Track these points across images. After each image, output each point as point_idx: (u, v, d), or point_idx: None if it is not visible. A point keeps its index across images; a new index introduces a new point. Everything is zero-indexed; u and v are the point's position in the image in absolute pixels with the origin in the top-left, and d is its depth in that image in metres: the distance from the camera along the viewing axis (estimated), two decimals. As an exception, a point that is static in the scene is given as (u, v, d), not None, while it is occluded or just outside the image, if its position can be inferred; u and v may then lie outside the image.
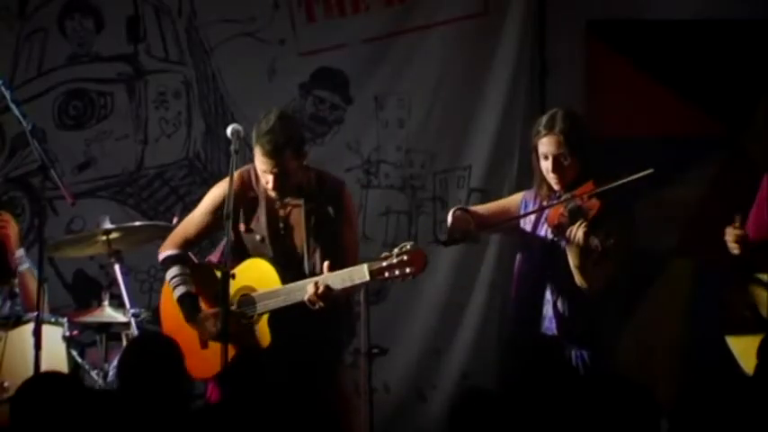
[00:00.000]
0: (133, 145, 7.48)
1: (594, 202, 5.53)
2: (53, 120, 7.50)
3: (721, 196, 7.10)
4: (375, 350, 6.31)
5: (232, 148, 5.80)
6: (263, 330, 5.75)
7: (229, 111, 7.28)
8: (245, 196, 5.85)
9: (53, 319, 6.33)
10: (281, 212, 5.83)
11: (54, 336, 6.23)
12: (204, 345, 5.87)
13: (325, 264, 5.62)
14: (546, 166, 5.56)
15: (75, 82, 7.57)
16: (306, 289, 5.49)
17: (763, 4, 7.32)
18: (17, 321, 6.35)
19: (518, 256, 5.84)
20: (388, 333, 7.14)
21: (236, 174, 5.80)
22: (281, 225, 5.87)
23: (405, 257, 5.51)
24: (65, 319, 6.36)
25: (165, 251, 6.00)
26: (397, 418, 7.63)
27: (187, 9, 7.49)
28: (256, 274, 5.88)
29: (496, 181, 7.31)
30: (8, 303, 6.71)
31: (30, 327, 6.02)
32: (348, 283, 5.55)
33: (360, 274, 5.52)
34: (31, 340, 5.89)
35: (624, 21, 7.45)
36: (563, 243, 5.59)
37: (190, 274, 5.92)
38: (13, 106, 6.16)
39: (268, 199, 5.82)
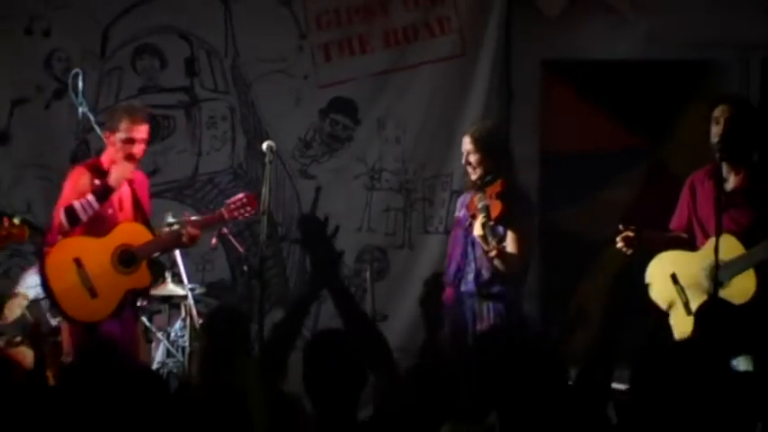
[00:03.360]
0: (190, 157, 7.88)
1: (497, 204, 6.05)
2: (129, 137, 7.87)
3: (647, 197, 7.50)
4: (378, 316, 7.14)
5: (266, 159, 6.35)
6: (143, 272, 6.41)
7: (264, 130, 7.68)
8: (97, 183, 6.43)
9: (126, 292, 6.70)
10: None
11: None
12: (94, 294, 6.37)
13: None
14: (463, 162, 6.28)
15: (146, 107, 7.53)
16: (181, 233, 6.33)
17: (675, 48, 7.57)
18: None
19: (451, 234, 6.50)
20: (388, 303, 7.68)
21: (84, 166, 6.52)
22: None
23: (244, 200, 6.44)
24: (136, 293, 6.82)
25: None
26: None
27: (231, 51, 7.86)
28: (130, 234, 6.47)
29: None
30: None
31: (108, 299, 6.54)
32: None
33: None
34: (114, 309, 6.49)
35: (571, 60, 7.80)
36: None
37: None
38: (96, 127, 6.74)
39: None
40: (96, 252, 6.37)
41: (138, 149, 6.42)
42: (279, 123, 7.70)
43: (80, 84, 6.78)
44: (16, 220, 6.37)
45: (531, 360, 3.73)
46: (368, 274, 7.57)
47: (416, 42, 7.74)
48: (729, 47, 7.58)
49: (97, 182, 6.37)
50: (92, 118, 6.70)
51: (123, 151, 6.41)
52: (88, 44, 7.76)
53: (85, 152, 7.68)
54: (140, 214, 6.54)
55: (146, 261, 6.42)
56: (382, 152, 7.91)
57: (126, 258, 6.39)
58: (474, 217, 6.14)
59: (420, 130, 7.84)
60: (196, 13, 7.79)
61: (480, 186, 6.15)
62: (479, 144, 6.19)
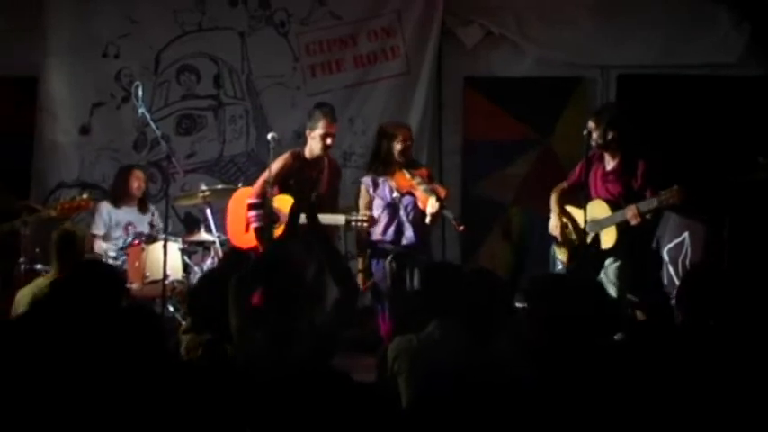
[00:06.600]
0: (217, 144, 8.58)
1: (440, 188, 6.61)
2: (173, 130, 8.59)
3: (538, 172, 8.34)
4: (349, 254, 7.51)
5: (271, 146, 6.78)
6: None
7: (269, 125, 8.19)
8: (297, 165, 6.73)
9: (173, 238, 7.44)
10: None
11: (174, 247, 7.42)
12: (247, 230, 6.78)
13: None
14: (399, 148, 6.68)
15: (186, 109, 8.62)
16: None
17: (555, 68, 8.40)
18: (154, 239, 7.49)
19: (378, 203, 6.70)
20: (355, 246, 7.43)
21: (289, 153, 6.70)
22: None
23: (365, 218, 6.54)
24: (179, 239, 7.57)
25: (251, 199, 6.81)
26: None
27: (246, 70, 8.55)
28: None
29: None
30: (149, 229, 7.72)
31: (161, 242, 7.10)
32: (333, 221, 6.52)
33: (340, 219, 6.60)
34: (161, 250, 7.00)
35: (484, 77, 8.63)
36: (408, 199, 6.56)
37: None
38: (151, 122, 7.44)
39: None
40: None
41: (330, 141, 6.68)
42: (279, 120, 8.30)
43: (140, 92, 7.36)
44: (85, 195, 6.89)
45: (463, 281, 4.30)
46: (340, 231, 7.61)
47: (376, 64, 8.43)
48: (594, 67, 8.45)
49: (297, 164, 6.74)
50: (148, 116, 7.36)
51: (322, 143, 6.66)
52: (146, 64, 8.48)
53: (144, 141, 8.46)
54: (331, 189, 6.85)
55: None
56: (352, 141, 8.53)
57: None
58: (410, 194, 6.54)
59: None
60: (222, 44, 8.47)
61: (408, 166, 6.64)
62: (413, 141, 6.91)
